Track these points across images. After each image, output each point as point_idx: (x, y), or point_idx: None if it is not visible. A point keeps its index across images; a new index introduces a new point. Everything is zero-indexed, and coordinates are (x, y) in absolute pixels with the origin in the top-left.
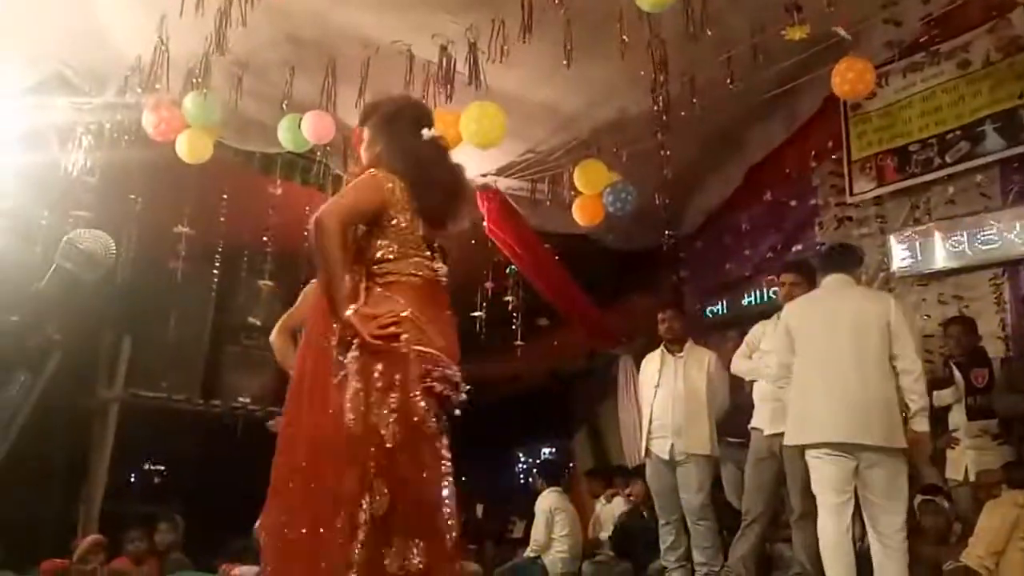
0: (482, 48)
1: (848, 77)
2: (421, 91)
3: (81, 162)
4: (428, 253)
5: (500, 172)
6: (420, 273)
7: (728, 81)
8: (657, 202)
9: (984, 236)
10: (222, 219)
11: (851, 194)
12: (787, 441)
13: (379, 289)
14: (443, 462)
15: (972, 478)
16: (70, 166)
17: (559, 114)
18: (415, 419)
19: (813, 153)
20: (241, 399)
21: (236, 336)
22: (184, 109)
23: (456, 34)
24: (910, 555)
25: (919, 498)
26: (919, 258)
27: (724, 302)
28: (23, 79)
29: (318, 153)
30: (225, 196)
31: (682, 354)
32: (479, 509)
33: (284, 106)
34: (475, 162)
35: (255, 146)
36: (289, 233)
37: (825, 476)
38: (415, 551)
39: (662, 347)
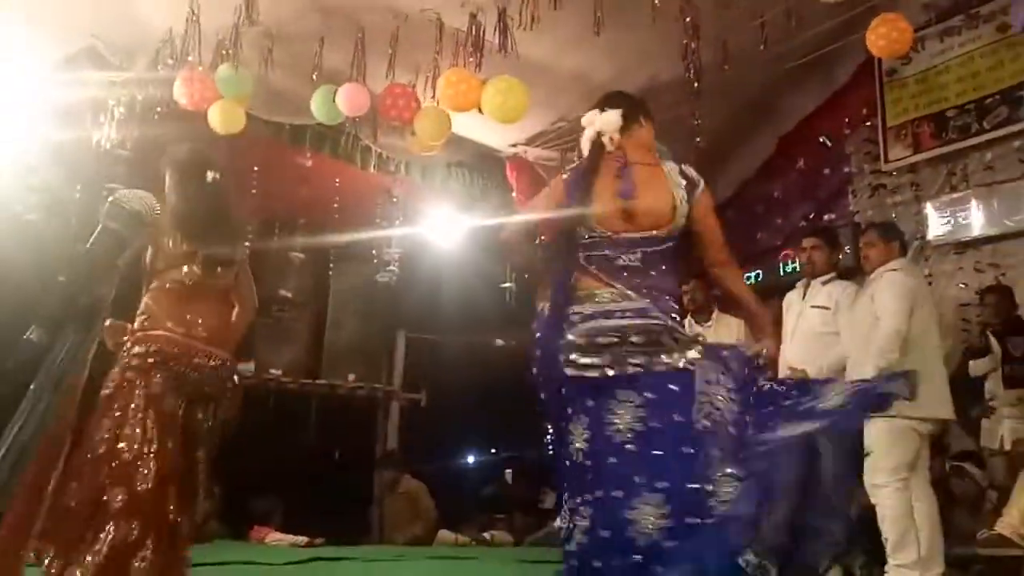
0: (511, 15)
1: (884, 33)
2: (451, 60)
3: (113, 136)
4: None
5: (530, 142)
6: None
7: (761, 46)
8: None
9: (1022, 203)
10: (253, 191)
11: (886, 161)
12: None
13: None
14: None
15: (1008, 447)
16: (103, 140)
17: (589, 82)
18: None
19: (847, 120)
20: (273, 371)
21: (268, 308)
22: (217, 80)
23: (485, 2)
24: (944, 521)
25: (949, 464)
26: (955, 226)
27: (757, 272)
28: (54, 54)
29: (347, 125)
30: (256, 168)
31: (710, 323)
32: (508, 475)
33: (314, 77)
34: (505, 131)
35: (284, 117)
36: (319, 205)
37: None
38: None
39: (689, 317)
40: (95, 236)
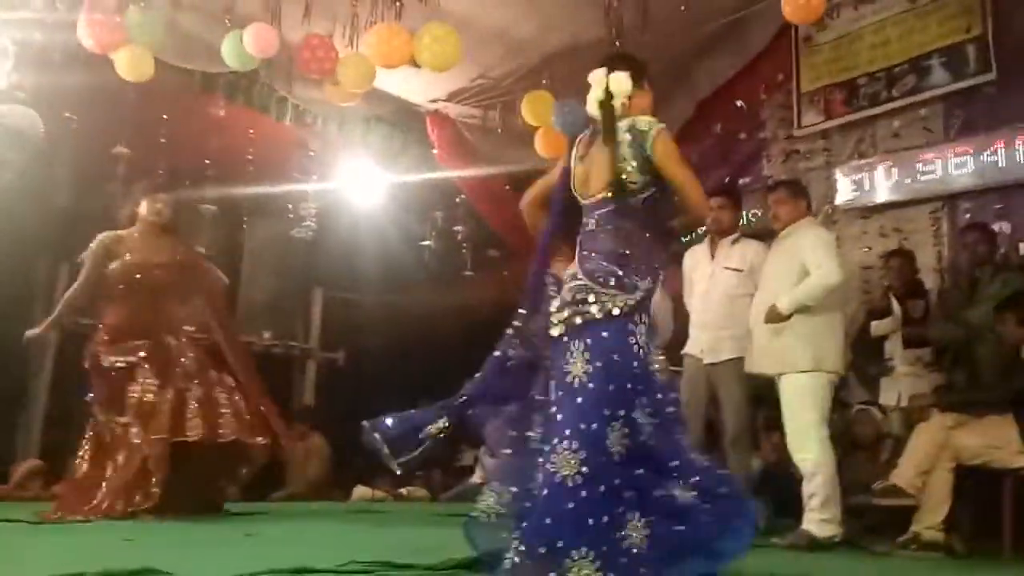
0: None
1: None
2: (369, 9)
3: (7, 77)
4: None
5: (451, 98)
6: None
7: (682, 8)
8: None
9: (925, 170)
10: (162, 140)
11: (799, 127)
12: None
13: None
14: None
15: (904, 403)
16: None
17: (511, 39)
18: None
19: (763, 86)
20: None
21: None
22: (126, 23)
23: None
24: (844, 469)
25: (855, 407)
26: (862, 191)
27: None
28: None
29: (261, 73)
30: (164, 117)
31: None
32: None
33: (227, 21)
34: (425, 87)
35: (195, 64)
36: (232, 156)
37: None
38: None
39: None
40: None
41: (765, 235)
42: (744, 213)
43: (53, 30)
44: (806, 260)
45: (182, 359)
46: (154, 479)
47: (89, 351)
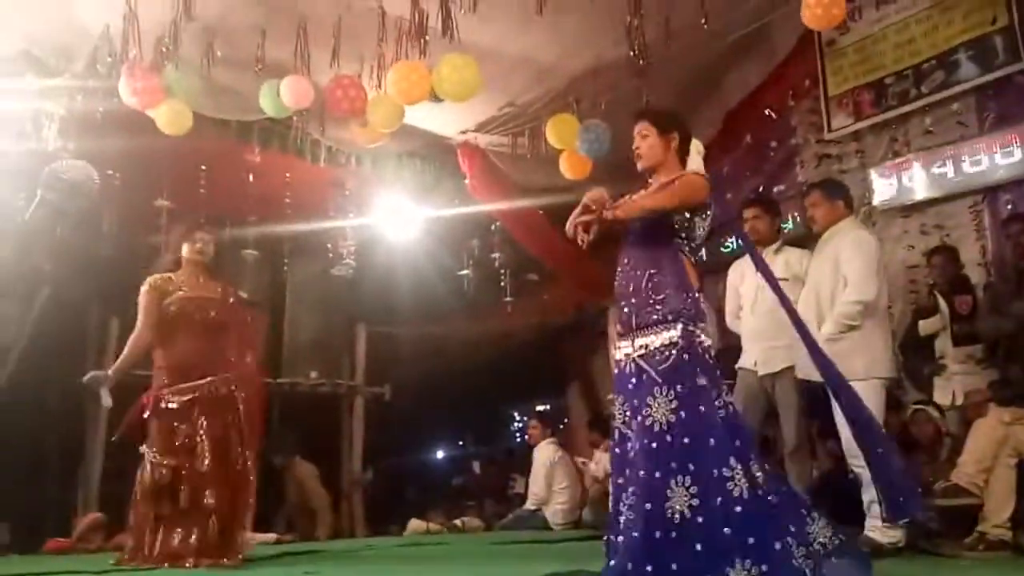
0: (454, 0)
1: (821, 3)
2: (395, 47)
3: (55, 141)
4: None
5: (480, 128)
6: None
7: (703, 21)
8: None
9: (962, 164)
10: (202, 190)
11: (830, 131)
12: None
13: None
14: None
15: (960, 401)
16: (44, 145)
17: (536, 65)
18: None
19: (790, 93)
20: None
21: None
22: (164, 81)
23: None
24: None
25: (911, 408)
26: (900, 190)
27: (708, 248)
28: None
29: (294, 119)
30: (203, 167)
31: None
32: (476, 466)
33: (257, 71)
34: (454, 119)
35: (230, 114)
36: (270, 201)
37: None
38: None
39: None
40: (33, 207)
41: (807, 241)
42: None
43: (94, 93)
44: (843, 270)
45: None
46: (212, 522)
47: (150, 395)
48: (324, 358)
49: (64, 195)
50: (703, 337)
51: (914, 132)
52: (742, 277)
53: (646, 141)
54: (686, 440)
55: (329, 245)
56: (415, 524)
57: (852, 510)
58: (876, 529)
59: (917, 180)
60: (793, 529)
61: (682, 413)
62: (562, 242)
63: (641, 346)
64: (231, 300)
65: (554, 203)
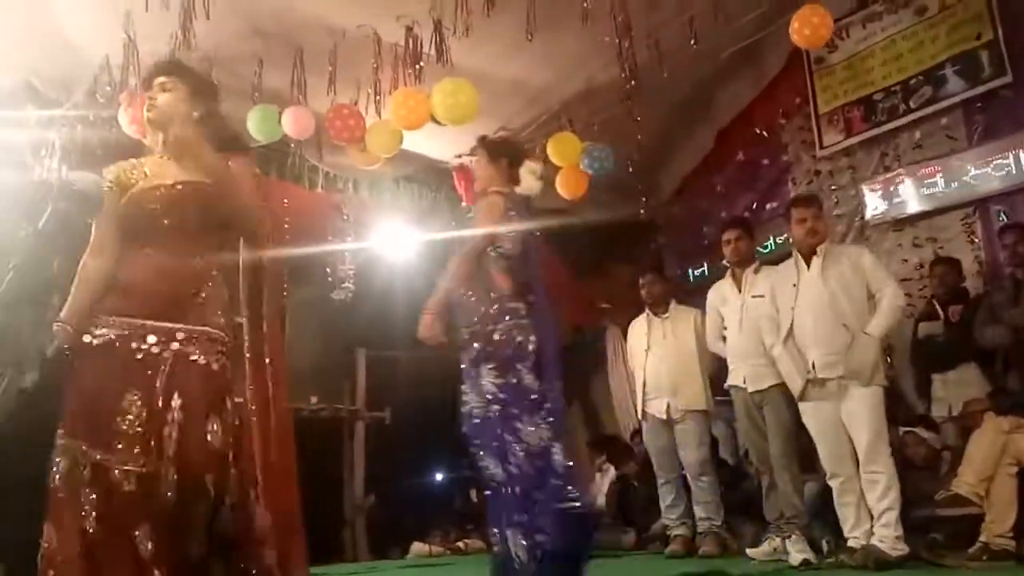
0: (447, 25)
1: (809, 23)
2: (391, 73)
3: (56, 169)
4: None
5: (475, 152)
6: None
7: (692, 42)
8: (631, 170)
9: (953, 177)
10: None
11: (821, 147)
12: None
13: None
14: None
15: (957, 412)
16: (44, 173)
17: (528, 88)
18: None
19: (781, 110)
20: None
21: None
22: None
23: (420, 13)
24: (903, 486)
25: (901, 430)
26: (892, 204)
27: (705, 265)
28: None
29: (292, 145)
30: None
31: (667, 315)
32: (473, 494)
33: (254, 99)
34: (450, 143)
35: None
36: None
37: None
38: None
39: (647, 311)
40: (45, 217)
41: (777, 261)
42: (772, 238)
43: (94, 124)
44: (869, 281)
45: None
46: None
47: None
48: (325, 383)
49: (76, 204)
50: None
51: (904, 146)
52: (724, 299)
53: (479, 166)
54: None
55: (328, 270)
56: (418, 547)
57: None
58: (887, 539)
59: (908, 194)
60: None
61: None
62: (556, 262)
63: None
64: None
65: (549, 224)
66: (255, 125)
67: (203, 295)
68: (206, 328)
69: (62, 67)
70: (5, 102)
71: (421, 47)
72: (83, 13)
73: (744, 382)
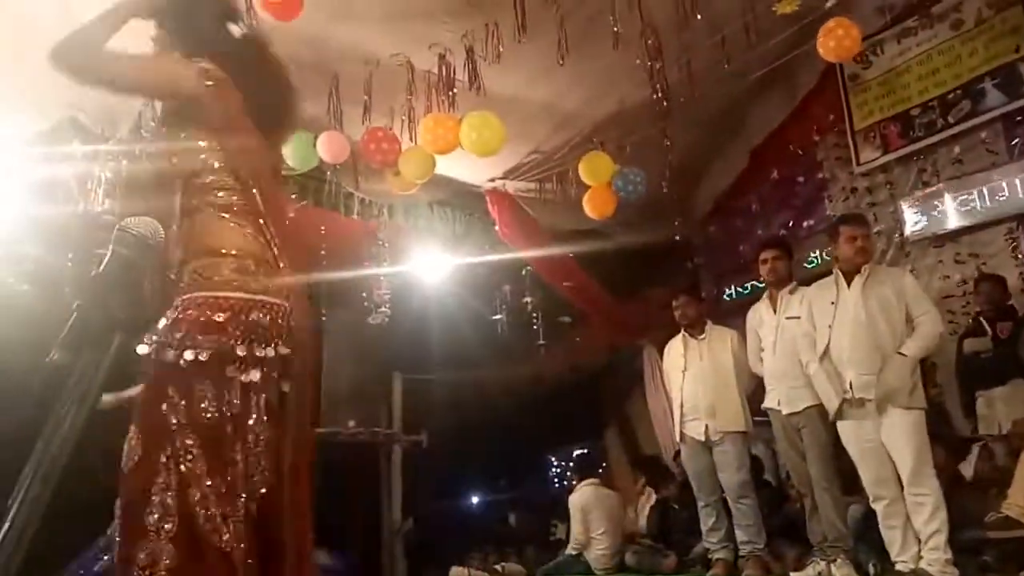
0: (479, 53)
1: (833, 37)
2: (424, 100)
3: (101, 202)
4: None
5: (507, 175)
6: None
7: (724, 62)
8: (664, 191)
9: (994, 192)
10: None
11: (858, 164)
12: None
13: None
14: None
15: (1005, 431)
16: (90, 206)
17: (560, 111)
18: None
19: (815, 128)
20: None
21: None
22: None
23: (452, 41)
24: (953, 504)
25: (976, 447)
26: (931, 220)
27: (741, 284)
28: (34, 127)
29: (328, 173)
30: None
31: (703, 336)
32: (512, 518)
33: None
34: (483, 167)
35: None
36: (307, 252)
37: None
38: None
39: (683, 332)
40: (106, 261)
41: (811, 281)
42: (819, 252)
43: (139, 157)
44: (910, 305)
45: None
46: None
47: None
48: (362, 407)
49: (134, 249)
50: None
51: (943, 162)
52: (760, 320)
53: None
54: None
55: (364, 294)
56: (456, 571)
57: None
58: (937, 563)
59: (949, 210)
60: None
61: None
62: (592, 283)
63: None
64: None
65: (583, 246)
66: (292, 152)
67: None
68: None
69: (107, 102)
70: (51, 137)
71: (454, 74)
72: (125, 46)
73: (779, 404)
